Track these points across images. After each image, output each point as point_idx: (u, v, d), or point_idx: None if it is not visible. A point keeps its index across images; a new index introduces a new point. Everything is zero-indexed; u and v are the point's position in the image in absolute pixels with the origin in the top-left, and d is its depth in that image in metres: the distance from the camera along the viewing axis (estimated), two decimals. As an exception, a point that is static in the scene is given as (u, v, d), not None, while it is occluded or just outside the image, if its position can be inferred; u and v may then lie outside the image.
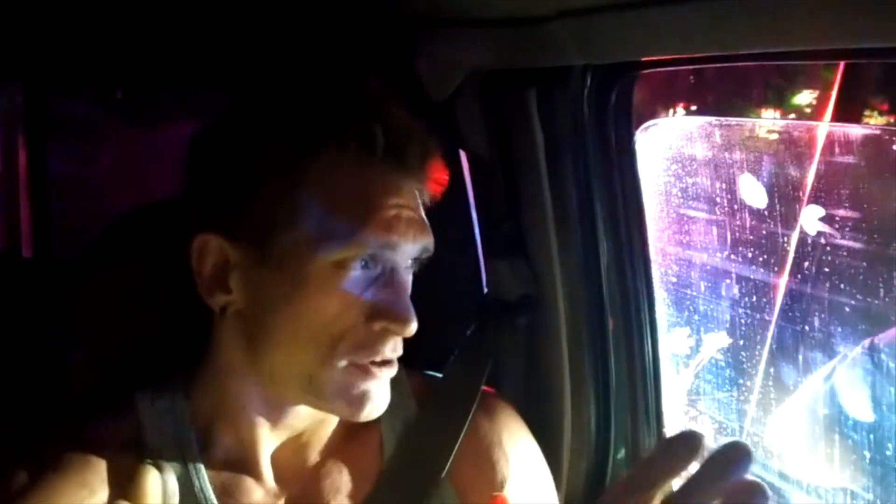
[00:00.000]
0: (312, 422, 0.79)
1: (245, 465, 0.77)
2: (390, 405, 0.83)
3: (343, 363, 0.72)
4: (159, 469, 0.75)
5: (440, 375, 0.91)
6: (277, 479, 0.78)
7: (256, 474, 0.77)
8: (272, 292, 0.72)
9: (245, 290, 0.73)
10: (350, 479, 0.80)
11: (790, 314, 1.05)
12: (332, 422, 0.81)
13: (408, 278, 0.76)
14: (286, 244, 0.71)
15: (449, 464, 0.82)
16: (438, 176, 0.78)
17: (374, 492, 0.80)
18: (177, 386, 0.79)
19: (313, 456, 0.80)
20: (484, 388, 0.89)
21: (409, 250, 0.74)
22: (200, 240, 0.74)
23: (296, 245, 0.71)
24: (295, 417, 0.78)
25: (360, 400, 0.73)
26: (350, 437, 0.82)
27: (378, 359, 0.73)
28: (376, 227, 0.71)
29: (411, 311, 0.73)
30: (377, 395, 0.74)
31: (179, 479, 0.74)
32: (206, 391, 0.78)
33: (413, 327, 0.73)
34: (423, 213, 0.77)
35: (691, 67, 1.02)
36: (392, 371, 0.75)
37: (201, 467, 0.76)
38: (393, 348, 0.74)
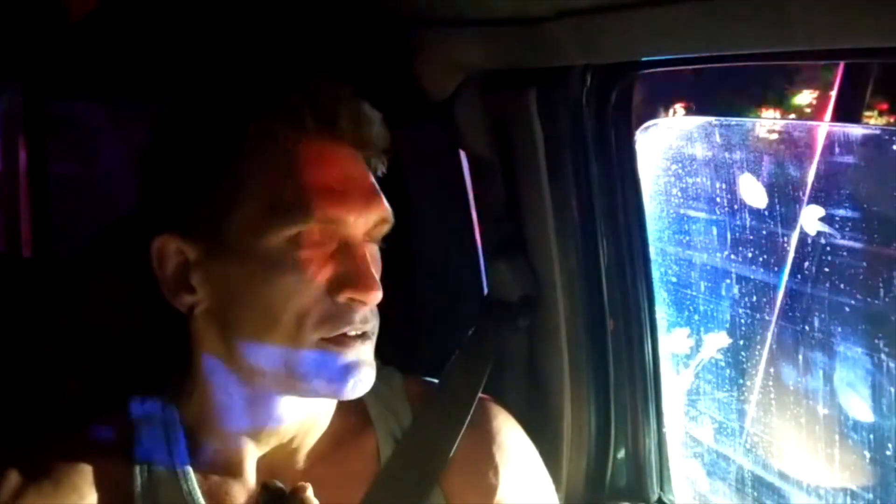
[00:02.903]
0: (301, 425, 0.79)
1: (232, 469, 0.77)
2: (387, 410, 0.82)
3: (314, 339, 0.71)
4: (149, 473, 0.75)
5: (436, 381, 0.90)
6: None
7: (243, 478, 0.77)
8: (233, 282, 0.72)
9: (208, 287, 0.74)
10: (343, 485, 0.79)
11: (790, 314, 1.05)
12: (322, 425, 0.81)
13: (370, 250, 0.75)
14: (235, 229, 0.71)
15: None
16: (379, 141, 0.77)
17: (369, 496, 0.80)
18: (167, 391, 0.80)
19: (304, 461, 0.80)
20: (481, 395, 0.88)
21: (358, 222, 0.73)
22: (158, 242, 0.74)
23: (243, 228, 0.71)
24: (281, 419, 0.77)
25: (341, 375, 0.72)
26: (344, 442, 0.81)
27: (349, 331, 0.72)
28: (315, 200, 0.70)
29: (374, 279, 0.72)
30: (358, 369, 0.72)
31: (168, 484, 0.75)
32: (193, 396, 0.79)
33: (377, 296, 0.72)
34: (372, 183, 0.76)
35: (691, 67, 1.01)
36: (369, 345, 0.74)
37: (190, 472, 0.76)
38: (363, 319, 0.72)
